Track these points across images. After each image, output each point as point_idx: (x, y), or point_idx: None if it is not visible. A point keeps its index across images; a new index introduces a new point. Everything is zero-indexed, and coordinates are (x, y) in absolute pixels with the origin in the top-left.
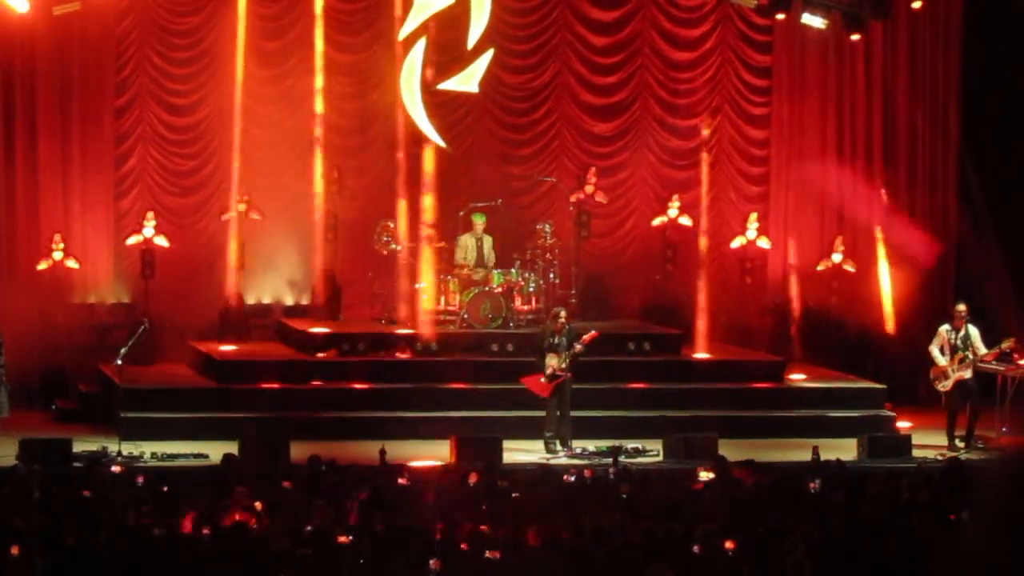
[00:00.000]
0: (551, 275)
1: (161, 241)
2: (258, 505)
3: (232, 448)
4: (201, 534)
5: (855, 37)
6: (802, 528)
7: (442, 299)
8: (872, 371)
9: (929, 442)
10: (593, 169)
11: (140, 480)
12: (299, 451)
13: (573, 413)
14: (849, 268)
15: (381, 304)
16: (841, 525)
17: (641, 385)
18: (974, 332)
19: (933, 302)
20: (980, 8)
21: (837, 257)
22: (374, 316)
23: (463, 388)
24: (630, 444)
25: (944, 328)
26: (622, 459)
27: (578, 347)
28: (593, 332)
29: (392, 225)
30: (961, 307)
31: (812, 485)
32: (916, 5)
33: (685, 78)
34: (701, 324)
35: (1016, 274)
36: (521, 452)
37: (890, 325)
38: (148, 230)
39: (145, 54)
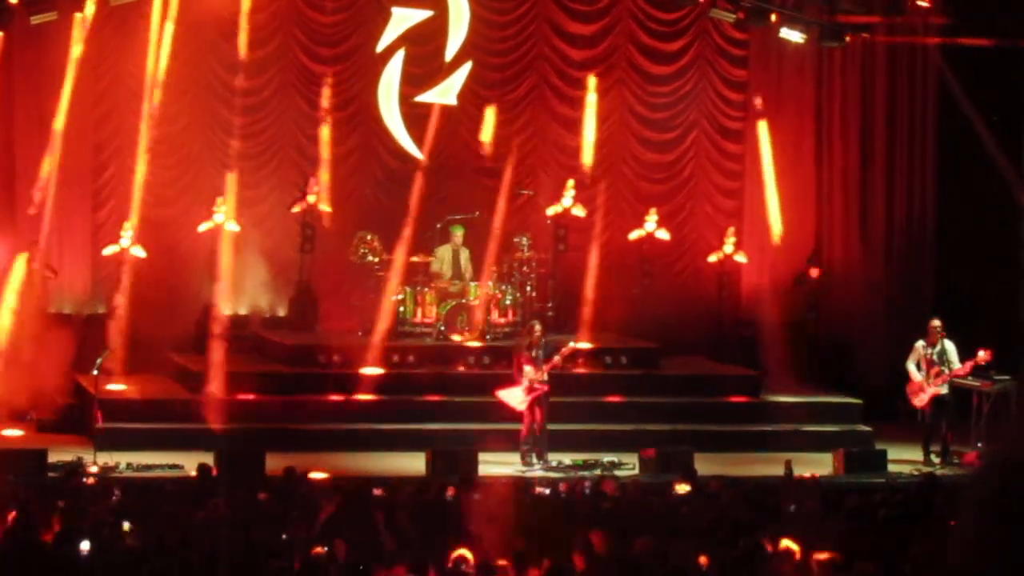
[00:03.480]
0: (528, 288)
1: (138, 252)
2: None
3: (207, 459)
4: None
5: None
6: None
7: (419, 311)
8: (848, 386)
9: (905, 457)
10: (571, 182)
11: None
12: (275, 463)
13: (550, 426)
14: (824, 282)
15: (358, 316)
16: (817, 540)
17: (617, 398)
18: (950, 347)
19: (909, 317)
20: (959, 22)
21: (813, 272)
22: (350, 328)
23: (439, 400)
24: (606, 458)
25: (920, 343)
26: (597, 472)
27: (557, 359)
28: (571, 346)
29: (370, 237)
30: (936, 322)
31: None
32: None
33: (662, 92)
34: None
35: (994, 291)
36: (497, 465)
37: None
38: (125, 241)
39: (123, 65)
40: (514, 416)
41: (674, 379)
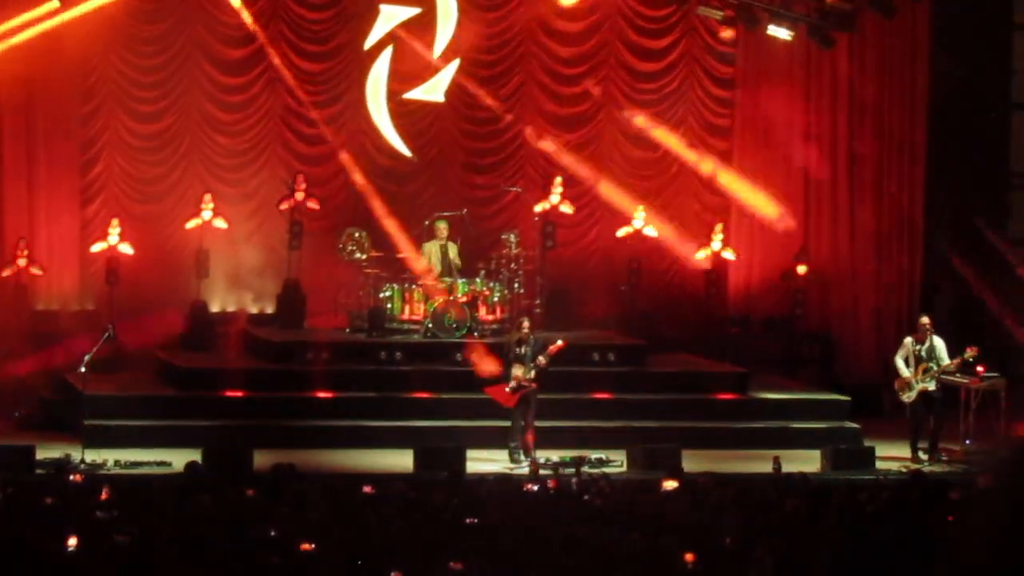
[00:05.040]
0: (516, 285)
1: (126, 248)
2: None
3: (195, 456)
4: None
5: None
6: (769, 542)
7: (406, 308)
8: (836, 383)
9: (893, 454)
10: (559, 179)
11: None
12: (262, 460)
13: (537, 423)
14: (812, 279)
15: (345, 313)
16: (804, 538)
17: (605, 395)
18: (939, 343)
19: (898, 313)
20: (948, 19)
21: (800, 269)
22: (338, 325)
23: (427, 397)
24: (594, 455)
25: (908, 340)
26: (585, 469)
27: (542, 360)
28: (560, 343)
29: (357, 235)
30: (924, 319)
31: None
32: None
33: (650, 89)
34: None
35: (981, 279)
36: (485, 462)
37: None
38: (113, 237)
39: (111, 61)
40: (502, 413)
41: (662, 376)
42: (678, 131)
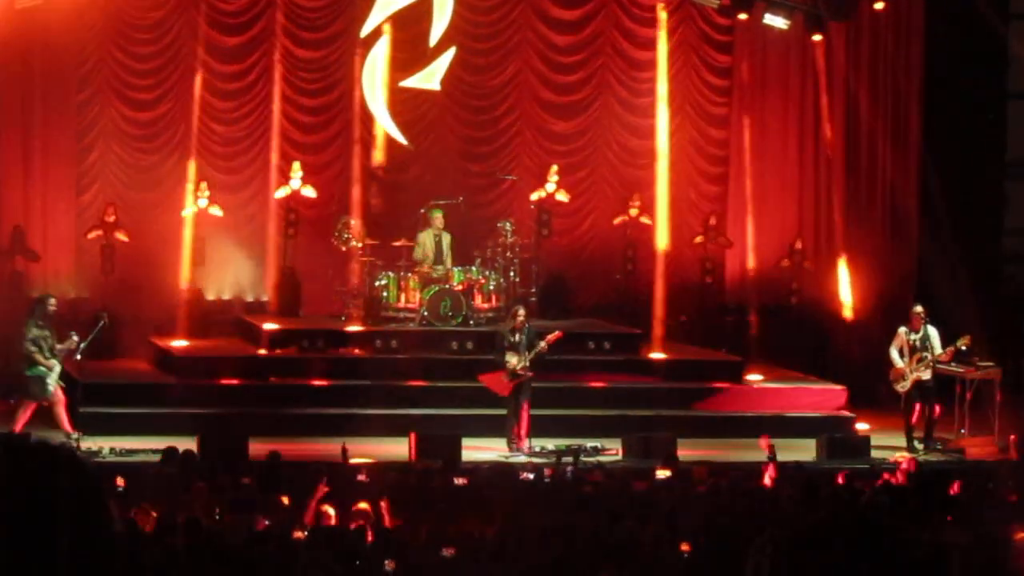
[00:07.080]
0: (511, 273)
1: (121, 236)
2: None
3: (190, 444)
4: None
5: (817, 38)
6: (769, 531)
7: (402, 296)
8: (831, 371)
9: (888, 443)
10: (555, 167)
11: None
12: (258, 447)
13: (532, 411)
14: (808, 268)
15: (341, 301)
16: (799, 527)
17: (600, 384)
18: (933, 333)
19: (893, 303)
20: (941, 9)
21: (797, 257)
22: (334, 313)
23: (423, 385)
24: (589, 443)
25: (902, 329)
26: (581, 458)
27: (543, 345)
28: (557, 332)
29: (352, 222)
30: (918, 308)
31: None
32: (879, 6)
33: (646, 77)
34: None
35: (975, 272)
36: (480, 450)
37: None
38: (109, 225)
39: (107, 49)
40: (497, 401)
41: (657, 364)
42: (675, 120)
